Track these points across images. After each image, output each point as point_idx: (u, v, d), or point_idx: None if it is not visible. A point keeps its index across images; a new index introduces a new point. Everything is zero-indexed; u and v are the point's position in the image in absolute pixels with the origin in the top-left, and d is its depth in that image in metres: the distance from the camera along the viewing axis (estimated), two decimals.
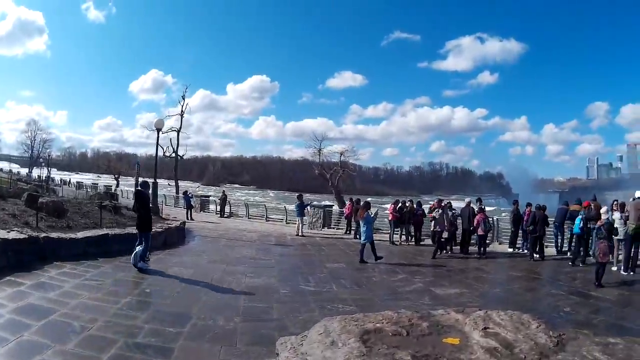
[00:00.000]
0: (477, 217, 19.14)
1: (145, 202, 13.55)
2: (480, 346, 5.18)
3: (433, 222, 19.64)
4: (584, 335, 5.62)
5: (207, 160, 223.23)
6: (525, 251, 19.72)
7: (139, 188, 14.65)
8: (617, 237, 15.49)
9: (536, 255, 18.71)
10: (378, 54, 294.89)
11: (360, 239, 17.52)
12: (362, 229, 16.60)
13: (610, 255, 15.11)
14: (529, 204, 20.10)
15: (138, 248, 12.84)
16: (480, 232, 19.03)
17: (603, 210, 14.03)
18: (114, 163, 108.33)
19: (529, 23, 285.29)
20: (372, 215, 17.88)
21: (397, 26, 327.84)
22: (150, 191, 17.70)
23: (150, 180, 19.30)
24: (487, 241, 21.40)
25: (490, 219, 22.08)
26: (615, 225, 15.28)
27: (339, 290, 11.79)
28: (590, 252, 16.65)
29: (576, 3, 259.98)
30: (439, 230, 19.00)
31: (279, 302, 10.21)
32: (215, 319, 8.52)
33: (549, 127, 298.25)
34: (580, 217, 16.39)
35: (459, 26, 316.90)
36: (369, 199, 28.08)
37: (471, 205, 20.68)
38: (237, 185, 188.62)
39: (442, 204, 20.26)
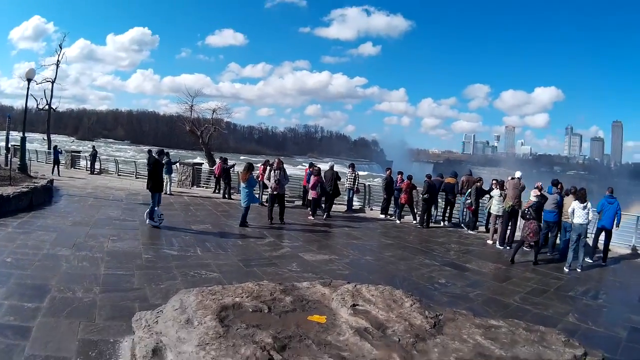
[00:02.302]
0: (313, 179, 19.19)
1: (157, 169, 15.23)
2: (349, 326, 4.92)
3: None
4: (463, 316, 5.46)
5: (83, 113, 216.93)
6: (395, 219, 20.39)
7: (154, 156, 15.65)
8: (495, 213, 16.38)
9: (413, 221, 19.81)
10: (262, 15, 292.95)
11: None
12: (244, 192, 16.24)
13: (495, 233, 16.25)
14: (400, 172, 20.71)
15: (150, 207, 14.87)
16: (313, 194, 19.24)
17: (533, 192, 14.50)
18: None
19: (418, 1, 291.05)
20: (256, 178, 17.85)
21: None
22: (166, 159, 20.48)
23: (155, 149, 18.58)
24: (354, 206, 22.38)
25: (362, 184, 23.18)
26: (495, 202, 16.40)
27: (203, 255, 11.50)
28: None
29: None
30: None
31: (141, 268, 9.81)
32: (75, 290, 8.00)
33: (427, 102, 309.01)
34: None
35: None
36: (242, 158, 28.06)
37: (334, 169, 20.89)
38: (111, 140, 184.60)
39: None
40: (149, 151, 23.61)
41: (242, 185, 16.37)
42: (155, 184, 15.07)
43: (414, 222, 19.91)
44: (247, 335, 4.55)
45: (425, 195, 19.06)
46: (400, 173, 20.58)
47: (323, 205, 20.13)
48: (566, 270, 13.10)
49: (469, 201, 18.44)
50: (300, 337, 4.62)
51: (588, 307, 9.97)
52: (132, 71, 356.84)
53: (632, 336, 8.28)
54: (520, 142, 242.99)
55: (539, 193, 14.55)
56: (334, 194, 20.29)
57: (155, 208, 14.87)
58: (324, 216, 19.54)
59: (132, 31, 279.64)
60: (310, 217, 19.09)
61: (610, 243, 14.97)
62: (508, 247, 15.46)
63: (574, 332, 7.83)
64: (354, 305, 5.41)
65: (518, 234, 16.05)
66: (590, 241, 15.03)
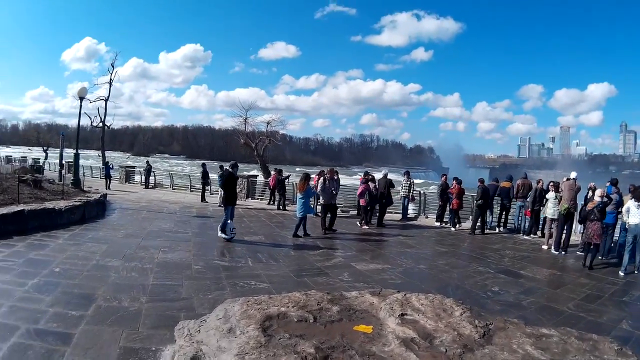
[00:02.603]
0: (360, 187, 19.17)
1: (231, 182, 15.27)
2: (396, 336, 4.79)
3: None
4: (514, 325, 5.30)
5: (138, 130, 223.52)
6: (450, 226, 19.96)
7: (228, 169, 15.74)
8: (551, 217, 15.91)
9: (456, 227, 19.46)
10: (312, 26, 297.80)
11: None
12: (300, 202, 16.07)
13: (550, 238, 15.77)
14: (455, 178, 20.08)
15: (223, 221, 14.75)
16: (362, 202, 19.14)
17: (598, 192, 14.08)
18: (44, 135, 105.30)
19: (468, 3, 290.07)
20: (313, 189, 17.40)
21: None
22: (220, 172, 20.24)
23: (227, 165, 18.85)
24: (409, 214, 22.17)
25: (417, 192, 23.06)
26: (550, 205, 15.91)
27: (255, 266, 11.40)
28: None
29: None
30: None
31: (190, 279, 9.81)
32: (121, 299, 8.05)
33: (482, 105, 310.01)
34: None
35: (396, 2, 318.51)
36: (297, 169, 28.06)
37: (388, 176, 20.65)
38: (167, 155, 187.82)
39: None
40: (221, 166, 23.93)
41: (299, 195, 16.17)
42: (228, 198, 14.99)
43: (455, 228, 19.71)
44: (289, 346, 4.46)
45: (479, 201, 18.67)
46: (456, 179, 20.03)
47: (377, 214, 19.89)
48: (621, 274, 12.66)
49: (536, 208, 17.82)
50: (343, 348, 4.51)
51: None
52: (186, 87, 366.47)
53: None
54: (575, 143, 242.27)
55: (603, 194, 13.90)
56: (387, 202, 20.03)
57: (229, 221, 14.69)
58: (376, 225, 19.31)
59: (184, 48, 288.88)
60: (364, 227, 18.87)
61: None
62: (563, 252, 15.09)
63: (627, 340, 7.58)
64: (402, 314, 5.30)
65: (574, 238, 15.75)
66: None
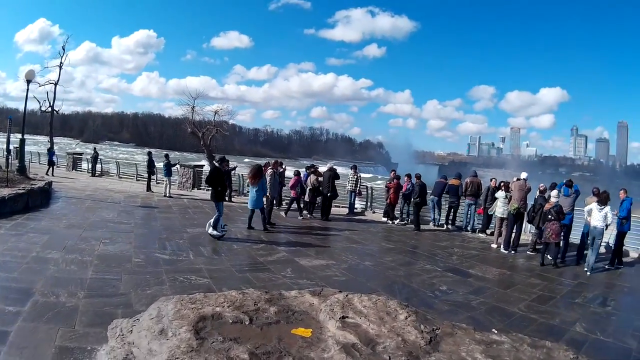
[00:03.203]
0: (292, 179, 19.47)
1: (218, 177, 14.71)
2: (336, 341, 4.54)
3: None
4: (463, 330, 5.03)
5: (89, 116, 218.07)
6: (395, 222, 20.01)
7: (216, 164, 15.60)
8: (500, 216, 16.01)
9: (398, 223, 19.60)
10: (266, 17, 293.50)
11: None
12: (252, 194, 15.86)
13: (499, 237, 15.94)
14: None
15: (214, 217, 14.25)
16: (292, 194, 19.40)
17: (554, 193, 14.27)
18: None
19: (423, 3, 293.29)
20: (268, 182, 17.09)
21: None
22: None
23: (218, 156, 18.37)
24: (356, 209, 22.14)
25: (364, 187, 23.07)
26: (499, 204, 16.04)
27: (196, 260, 11.17)
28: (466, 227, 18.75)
29: None
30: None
31: (130, 272, 9.55)
32: (59, 294, 7.75)
33: (433, 103, 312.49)
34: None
35: None
36: (246, 160, 27.94)
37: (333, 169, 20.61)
38: (117, 143, 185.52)
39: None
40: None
41: (252, 188, 15.92)
42: (217, 193, 14.64)
43: (393, 222, 19.95)
44: (222, 350, 4.27)
45: (416, 199, 18.84)
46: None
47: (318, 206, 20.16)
48: (588, 273, 13.15)
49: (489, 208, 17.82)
50: (280, 354, 4.32)
51: (596, 315, 9.66)
52: (137, 74, 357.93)
53: None
54: (525, 144, 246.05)
55: (560, 194, 14.46)
56: (332, 195, 19.95)
57: (220, 218, 14.31)
58: (309, 216, 19.64)
59: (137, 34, 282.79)
60: (302, 217, 19.16)
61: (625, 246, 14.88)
62: (513, 252, 15.25)
63: (582, 343, 7.68)
64: (343, 317, 5.09)
65: (524, 238, 16.09)
66: (604, 243, 15.18)
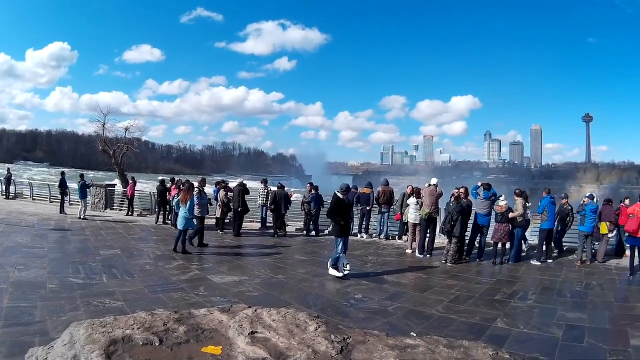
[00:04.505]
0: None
1: (341, 208, 12.79)
2: (246, 357, 4.47)
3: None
4: (375, 337, 4.95)
5: (3, 133, 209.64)
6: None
7: (339, 194, 12.93)
8: (413, 221, 16.54)
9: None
10: (178, 30, 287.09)
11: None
12: (181, 213, 15.43)
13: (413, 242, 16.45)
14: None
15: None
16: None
17: (502, 198, 15.13)
18: None
19: (335, 15, 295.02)
20: (205, 199, 17.19)
21: (200, 3, 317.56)
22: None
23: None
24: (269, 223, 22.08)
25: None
26: (411, 210, 16.59)
27: (109, 282, 11.03)
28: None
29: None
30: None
31: (45, 299, 9.35)
32: None
33: (344, 115, 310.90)
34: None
35: (263, 10, 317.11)
36: (159, 178, 27.60)
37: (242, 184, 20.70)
38: (31, 162, 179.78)
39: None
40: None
41: (182, 206, 15.50)
42: (342, 227, 12.74)
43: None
44: None
45: (271, 207, 19.86)
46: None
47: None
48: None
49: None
50: None
51: (518, 310, 10.06)
52: (51, 88, 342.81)
53: (568, 335, 8.40)
54: (439, 150, 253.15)
55: (505, 201, 15.25)
56: (242, 210, 20.02)
57: (341, 254, 12.69)
58: (220, 232, 19.99)
59: (51, 46, 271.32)
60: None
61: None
62: (428, 255, 15.70)
63: (505, 338, 7.99)
64: (252, 332, 4.97)
65: (439, 241, 16.78)
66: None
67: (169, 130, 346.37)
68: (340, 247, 12.64)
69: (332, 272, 12.57)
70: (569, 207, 16.35)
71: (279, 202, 20.11)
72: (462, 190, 15.61)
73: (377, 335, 5.00)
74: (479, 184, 16.74)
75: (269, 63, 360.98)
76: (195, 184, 17.69)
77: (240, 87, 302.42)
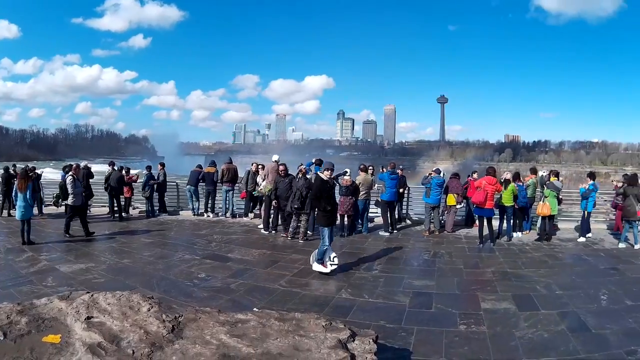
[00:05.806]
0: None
1: (326, 191, 10.99)
2: (83, 342, 4.35)
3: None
4: (206, 314, 4.95)
5: None
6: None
7: (320, 174, 11.31)
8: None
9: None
10: (36, 2, 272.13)
11: None
12: (20, 202, 14.13)
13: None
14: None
15: None
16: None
17: (348, 173, 14.99)
18: None
19: None
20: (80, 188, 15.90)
21: None
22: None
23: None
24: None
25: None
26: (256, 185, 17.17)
27: None
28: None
29: None
30: None
31: None
32: None
33: (197, 94, 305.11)
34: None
35: None
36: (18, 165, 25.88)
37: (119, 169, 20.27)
38: None
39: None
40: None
41: (20, 195, 14.23)
42: (327, 213, 11.07)
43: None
44: None
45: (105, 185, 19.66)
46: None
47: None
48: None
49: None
50: None
51: (363, 280, 10.21)
52: None
53: (416, 301, 8.61)
54: (291, 129, 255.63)
55: (349, 175, 15.31)
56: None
57: (328, 246, 10.84)
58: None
59: None
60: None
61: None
62: (274, 232, 15.73)
63: (350, 308, 8.09)
64: (88, 317, 4.89)
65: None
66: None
67: (23, 114, 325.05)
68: (327, 238, 10.90)
69: (317, 267, 10.78)
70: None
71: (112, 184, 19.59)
72: (302, 167, 15.68)
73: (209, 313, 5.07)
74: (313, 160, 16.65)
75: (124, 40, 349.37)
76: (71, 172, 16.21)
77: (95, 65, 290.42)
